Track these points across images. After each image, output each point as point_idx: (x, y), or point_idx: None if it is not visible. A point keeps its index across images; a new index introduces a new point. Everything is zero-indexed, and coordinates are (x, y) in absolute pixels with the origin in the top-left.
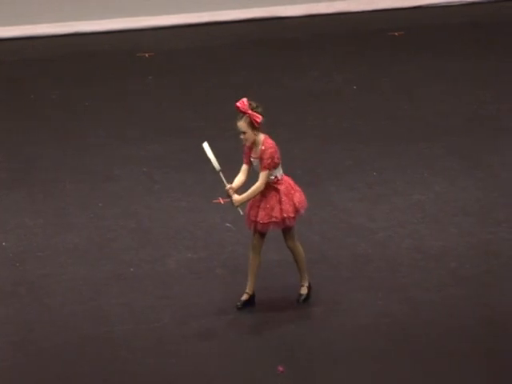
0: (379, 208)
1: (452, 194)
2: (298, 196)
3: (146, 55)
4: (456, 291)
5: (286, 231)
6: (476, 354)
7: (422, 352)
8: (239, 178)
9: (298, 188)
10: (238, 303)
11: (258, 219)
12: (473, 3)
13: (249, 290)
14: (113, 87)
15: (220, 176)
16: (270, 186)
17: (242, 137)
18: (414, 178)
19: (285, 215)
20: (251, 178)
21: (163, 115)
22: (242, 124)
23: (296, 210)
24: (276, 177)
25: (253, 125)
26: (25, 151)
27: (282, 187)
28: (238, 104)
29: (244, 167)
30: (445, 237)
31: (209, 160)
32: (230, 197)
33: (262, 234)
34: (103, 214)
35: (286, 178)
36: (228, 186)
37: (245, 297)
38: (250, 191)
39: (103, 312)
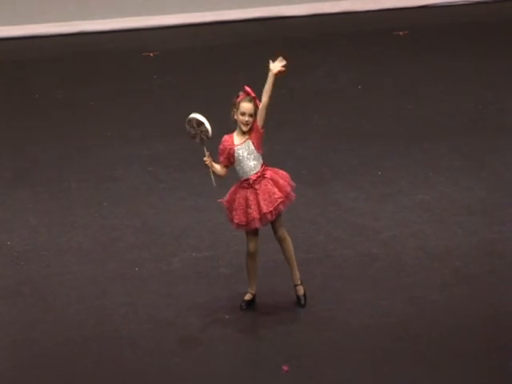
0: (383, 207)
1: (456, 194)
2: (282, 172)
3: (151, 54)
4: (460, 291)
5: (277, 219)
6: (479, 353)
7: (426, 351)
8: (221, 169)
9: (274, 168)
10: (242, 303)
11: (264, 211)
12: (477, 3)
13: (252, 289)
14: (117, 87)
15: (203, 147)
16: (260, 176)
17: (246, 119)
18: (419, 177)
19: (288, 189)
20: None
21: (167, 114)
22: (251, 107)
23: (290, 184)
24: (263, 164)
25: (256, 112)
26: (29, 150)
27: (268, 173)
28: (247, 87)
29: (222, 165)
30: (449, 236)
31: (194, 127)
32: (209, 167)
33: (255, 235)
34: (107, 214)
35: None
36: (207, 154)
37: (248, 297)
38: None
39: (107, 311)
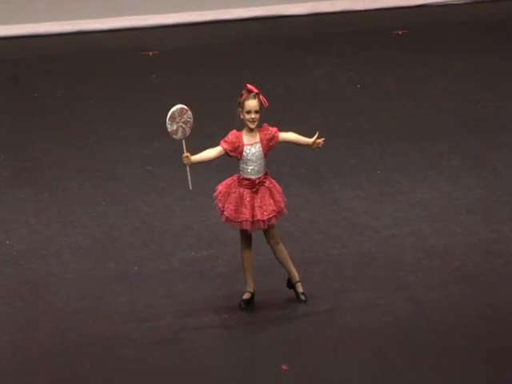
0: (383, 207)
1: (455, 193)
2: (278, 186)
3: (150, 54)
4: (459, 290)
5: (271, 228)
6: (479, 352)
7: (425, 350)
8: (208, 153)
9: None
10: (242, 303)
11: (258, 218)
12: (476, 2)
13: (250, 288)
14: (117, 86)
15: (183, 142)
16: (260, 182)
17: (252, 116)
18: (418, 176)
19: (281, 205)
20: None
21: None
22: (256, 103)
23: (283, 200)
24: (266, 171)
25: (261, 107)
26: (28, 150)
27: (268, 182)
28: (249, 85)
29: (220, 149)
30: (448, 235)
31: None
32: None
33: (250, 234)
34: (107, 213)
35: None
36: (185, 151)
37: (247, 296)
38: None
39: (106, 310)
